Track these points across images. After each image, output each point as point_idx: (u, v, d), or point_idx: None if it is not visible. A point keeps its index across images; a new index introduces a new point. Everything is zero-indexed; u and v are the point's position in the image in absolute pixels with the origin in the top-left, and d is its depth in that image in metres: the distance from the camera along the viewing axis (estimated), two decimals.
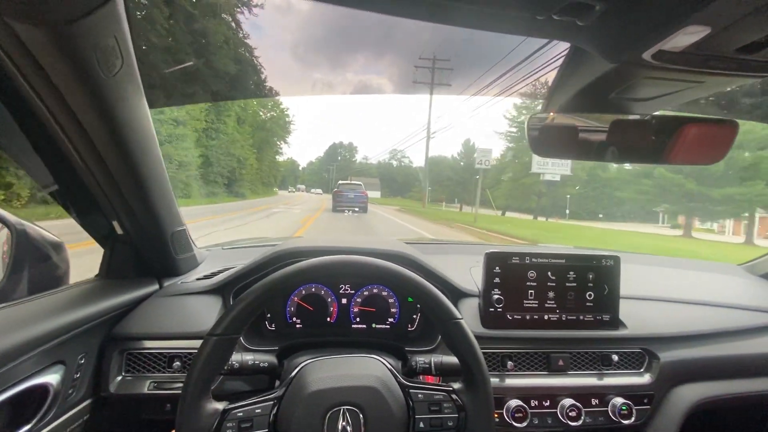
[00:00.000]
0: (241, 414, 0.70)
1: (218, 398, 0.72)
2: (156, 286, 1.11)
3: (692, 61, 0.58)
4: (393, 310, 1.18)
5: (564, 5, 0.49)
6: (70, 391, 0.83)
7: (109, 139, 0.79)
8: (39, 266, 0.98)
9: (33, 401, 0.74)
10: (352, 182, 18.58)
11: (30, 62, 0.63)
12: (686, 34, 0.50)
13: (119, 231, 1.00)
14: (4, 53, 0.62)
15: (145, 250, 1.07)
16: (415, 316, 1.19)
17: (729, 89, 0.75)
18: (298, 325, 1.15)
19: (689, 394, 1.12)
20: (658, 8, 0.49)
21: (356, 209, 16.27)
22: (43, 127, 0.76)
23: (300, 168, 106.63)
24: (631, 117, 0.80)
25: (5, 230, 0.94)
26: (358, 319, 1.16)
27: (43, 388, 0.75)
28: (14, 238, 0.93)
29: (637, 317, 1.16)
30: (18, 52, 0.61)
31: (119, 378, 0.95)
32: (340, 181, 18.97)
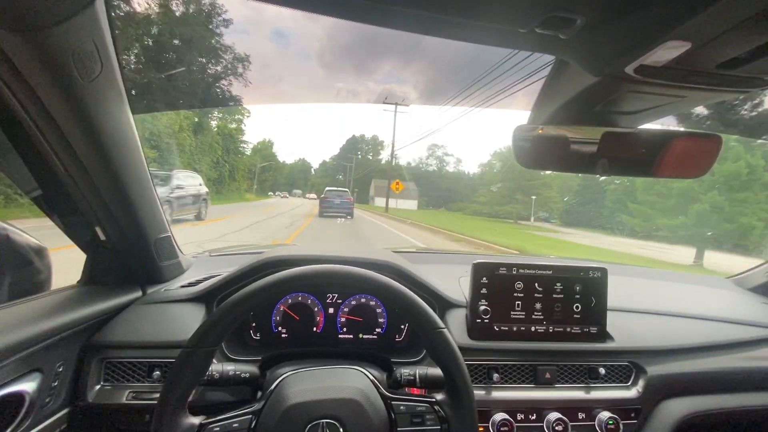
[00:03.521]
0: (218, 429, 0.69)
1: (198, 410, 0.71)
2: (139, 293, 1.10)
3: (674, 75, 0.58)
4: (381, 320, 1.17)
5: (545, 18, 0.50)
6: (47, 400, 0.82)
7: (89, 145, 0.78)
8: (20, 271, 0.96)
9: (8, 410, 0.73)
10: (339, 189, 19.42)
11: (7, 67, 0.62)
12: (667, 49, 0.51)
13: (102, 237, 0.99)
14: None
15: (127, 256, 1.05)
16: (402, 327, 1.18)
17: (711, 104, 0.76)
18: (283, 335, 1.14)
19: (677, 409, 1.11)
20: (638, 23, 0.50)
21: (342, 214, 16.83)
22: (23, 132, 0.76)
23: (312, 170, 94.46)
24: (620, 130, 0.81)
25: None
26: (345, 329, 1.15)
27: (18, 396, 0.74)
28: None
29: (624, 330, 1.15)
30: None
31: (98, 387, 0.93)
32: (327, 188, 19.67)
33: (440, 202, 50.62)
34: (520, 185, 27.63)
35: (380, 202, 47.96)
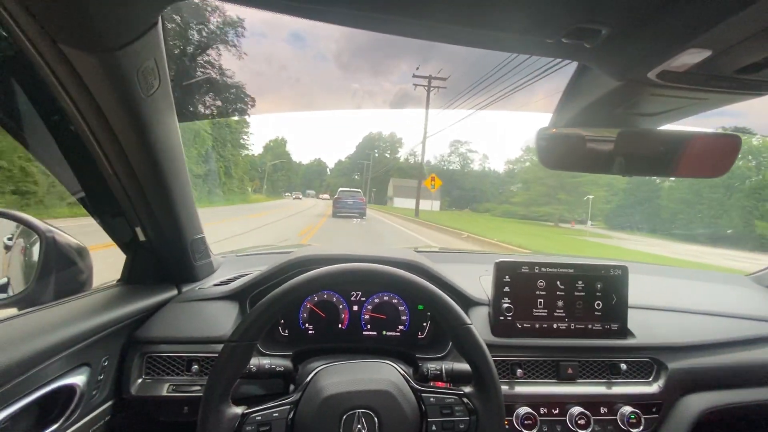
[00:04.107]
0: (259, 418, 0.72)
1: (235, 402, 0.74)
2: (175, 292, 1.15)
3: (695, 80, 0.60)
4: (403, 317, 1.20)
5: (572, 29, 0.53)
6: (93, 392, 0.86)
7: (142, 154, 0.84)
8: (65, 271, 1.01)
9: (60, 402, 0.77)
10: (352, 189, 19.50)
11: (77, 83, 0.67)
12: (688, 56, 0.54)
13: (141, 238, 1.04)
14: (53, 74, 0.66)
15: (165, 256, 1.10)
16: (425, 324, 1.21)
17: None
18: (310, 331, 1.18)
19: (698, 403, 1.12)
20: (661, 32, 0.52)
21: (356, 214, 17.11)
22: (79, 140, 0.81)
23: (328, 170, 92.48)
24: (639, 130, 0.83)
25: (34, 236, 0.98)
26: (368, 326, 1.19)
27: (70, 389, 0.78)
28: (43, 245, 0.97)
29: (645, 327, 1.17)
30: (67, 74, 0.66)
31: (140, 380, 0.98)
32: (340, 189, 19.77)
33: (464, 202, 47.53)
34: (563, 183, 24.33)
35: (399, 202, 44.18)
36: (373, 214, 21.37)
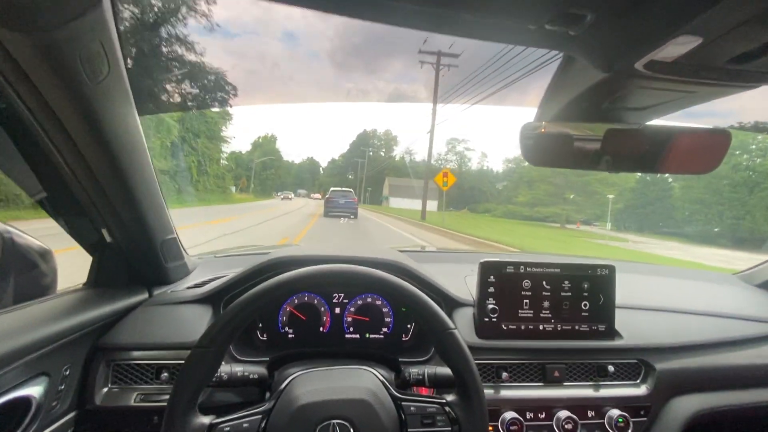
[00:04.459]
0: (228, 428, 0.69)
1: (206, 411, 0.71)
2: (145, 295, 1.10)
3: (684, 71, 0.58)
4: (387, 319, 1.16)
5: (555, 15, 0.49)
6: (54, 404, 0.82)
7: (95, 147, 0.78)
8: (25, 274, 0.96)
9: (14, 414, 0.73)
10: (343, 189, 19.52)
11: (14, 68, 0.62)
12: (677, 45, 0.51)
13: (108, 239, 0.99)
14: None
15: (134, 258, 1.05)
16: (409, 326, 1.18)
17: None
18: (290, 335, 1.13)
19: (687, 406, 1.11)
20: (648, 18, 0.49)
21: (347, 214, 17.06)
22: (29, 134, 0.75)
23: (321, 169, 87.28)
24: (625, 126, 0.80)
25: None
26: (351, 329, 1.15)
27: (25, 401, 0.74)
28: (1, 246, 0.91)
29: (633, 327, 1.15)
30: (1, 59, 0.61)
31: (105, 389, 0.93)
32: (332, 188, 19.86)
33: (461, 202, 45.17)
34: (570, 182, 23.03)
35: (395, 202, 43.53)
36: (369, 216, 20.37)
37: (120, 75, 0.74)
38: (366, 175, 55.68)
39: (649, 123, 0.81)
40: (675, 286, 1.54)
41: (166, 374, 0.96)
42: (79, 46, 0.63)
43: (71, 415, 0.88)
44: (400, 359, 1.04)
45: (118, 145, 0.81)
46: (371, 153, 64.31)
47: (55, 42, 0.60)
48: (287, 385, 0.77)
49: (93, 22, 0.63)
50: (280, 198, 43.58)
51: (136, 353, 0.96)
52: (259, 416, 0.71)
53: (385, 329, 1.16)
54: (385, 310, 1.16)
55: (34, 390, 0.75)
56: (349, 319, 1.15)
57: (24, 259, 0.96)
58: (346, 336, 1.15)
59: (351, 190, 20.20)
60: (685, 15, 0.46)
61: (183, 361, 0.94)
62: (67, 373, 0.85)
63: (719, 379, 1.15)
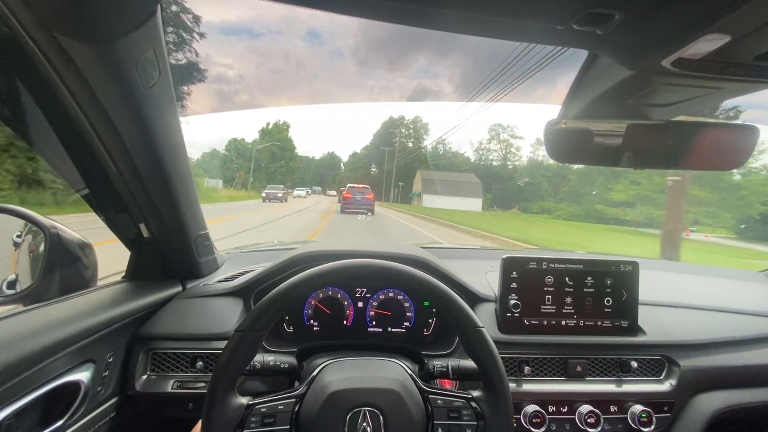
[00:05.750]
0: (264, 409, 0.72)
1: (241, 394, 0.74)
2: (179, 288, 1.15)
3: (711, 68, 0.58)
4: (408, 314, 1.19)
5: (584, 15, 0.50)
6: (99, 389, 0.87)
7: (143, 147, 0.83)
8: (70, 267, 1.01)
9: (65, 398, 0.77)
10: (360, 186, 20.01)
11: (75, 74, 0.66)
12: (706, 42, 0.51)
13: (146, 234, 1.04)
14: (50, 66, 0.66)
15: (169, 252, 1.10)
16: (430, 321, 1.20)
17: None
18: (315, 328, 1.17)
19: (711, 402, 1.10)
20: (677, 17, 0.50)
21: (363, 211, 17.72)
22: (80, 134, 0.80)
23: (342, 164, 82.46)
24: (648, 122, 0.81)
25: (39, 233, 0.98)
26: (374, 323, 1.18)
27: (74, 385, 0.78)
28: (48, 241, 0.97)
29: (656, 324, 1.15)
30: (64, 66, 0.65)
31: (144, 377, 0.98)
32: (349, 185, 20.44)
33: (507, 200, 38.09)
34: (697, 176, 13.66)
35: (429, 200, 36.86)
36: (404, 222, 16.50)
37: (167, 80, 0.79)
38: (396, 165, 47.36)
39: (673, 119, 0.81)
40: (699, 283, 1.52)
41: (201, 363, 1.00)
42: (136, 54, 0.68)
43: (114, 399, 0.93)
44: (422, 352, 1.07)
45: (162, 145, 0.85)
46: (396, 143, 55.46)
47: (115, 50, 0.65)
48: (319, 372, 0.80)
49: (148, 32, 0.67)
50: (293, 196, 34.71)
51: (172, 343, 1.01)
52: (293, 400, 0.74)
53: (407, 323, 1.18)
54: (406, 305, 1.19)
55: (83, 375, 0.81)
56: (372, 313, 1.18)
57: (69, 253, 1.01)
58: (369, 330, 1.18)
59: (368, 186, 20.56)
60: (714, 13, 0.46)
61: (217, 351, 0.99)
62: (111, 360, 0.91)
63: (744, 377, 1.14)
